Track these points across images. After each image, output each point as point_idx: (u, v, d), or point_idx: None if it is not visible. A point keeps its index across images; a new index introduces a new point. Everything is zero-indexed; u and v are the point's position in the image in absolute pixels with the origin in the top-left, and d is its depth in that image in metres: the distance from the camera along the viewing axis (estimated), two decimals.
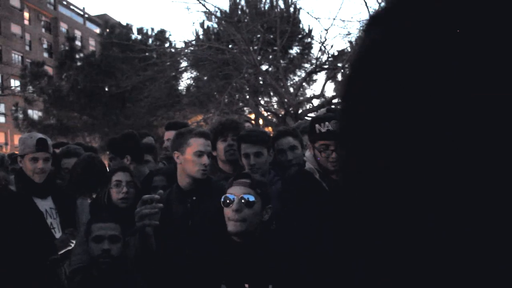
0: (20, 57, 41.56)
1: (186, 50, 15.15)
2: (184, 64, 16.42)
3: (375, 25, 0.63)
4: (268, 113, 16.25)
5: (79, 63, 21.28)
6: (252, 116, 14.86)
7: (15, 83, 25.77)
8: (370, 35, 0.63)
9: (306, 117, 13.87)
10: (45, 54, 45.15)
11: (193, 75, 17.26)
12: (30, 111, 23.07)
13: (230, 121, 3.93)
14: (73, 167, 3.90)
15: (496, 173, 0.50)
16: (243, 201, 2.50)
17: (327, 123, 2.91)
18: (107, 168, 4.11)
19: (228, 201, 2.53)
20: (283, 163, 3.68)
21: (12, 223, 3.42)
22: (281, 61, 15.34)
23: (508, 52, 0.49)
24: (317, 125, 2.94)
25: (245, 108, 16.46)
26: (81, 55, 21.74)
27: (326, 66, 14.91)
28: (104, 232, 2.85)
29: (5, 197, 3.64)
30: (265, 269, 2.43)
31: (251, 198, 2.51)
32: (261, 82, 15.92)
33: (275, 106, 17.16)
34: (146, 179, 3.82)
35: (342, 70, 15.25)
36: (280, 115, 14.53)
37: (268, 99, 17.55)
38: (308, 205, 2.85)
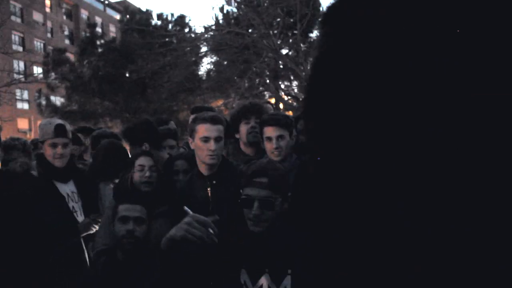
0: (42, 45, 41.95)
1: (205, 35, 15.12)
2: (204, 49, 16.41)
3: (328, 24, 0.68)
4: (289, 97, 16.18)
5: (100, 50, 21.42)
6: (273, 100, 14.79)
7: (37, 70, 26.03)
8: (325, 35, 0.68)
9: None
10: (67, 41, 45.50)
11: (213, 60, 17.25)
12: (52, 98, 23.33)
13: (253, 104, 3.93)
14: (95, 152, 3.93)
15: (460, 160, 0.52)
16: (262, 204, 2.38)
17: None
18: (129, 154, 4.13)
19: (247, 203, 2.42)
20: (304, 145, 3.68)
21: (33, 207, 3.48)
22: (302, 45, 15.22)
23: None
24: None
25: (265, 93, 16.39)
26: (102, 41, 21.86)
27: None
28: (130, 213, 2.88)
29: (27, 181, 3.70)
30: (284, 254, 2.40)
31: (271, 200, 2.40)
32: (281, 66, 15.83)
33: (296, 90, 17.06)
34: (167, 163, 3.83)
35: None
36: (301, 99, 14.46)
37: (288, 83, 17.46)
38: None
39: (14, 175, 3.83)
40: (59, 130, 3.58)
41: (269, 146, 3.43)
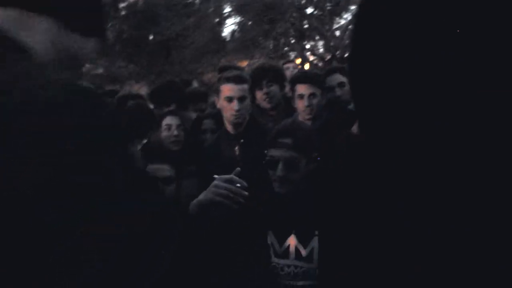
0: None
1: None
2: (227, 9, 16.20)
3: None
4: (315, 57, 15.96)
5: (123, 13, 21.32)
6: (298, 61, 14.61)
7: None
8: None
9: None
10: None
11: (237, 21, 17.03)
12: None
13: (260, 68, 3.86)
14: (123, 113, 3.92)
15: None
16: (287, 166, 2.34)
17: None
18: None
19: (271, 165, 2.39)
20: (332, 101, 3.64)
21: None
22: (327, 4, 14.90)
23: None
24: None
25: (290, 53, 16.18)
26: (125, 3, 21.73)
27: None
28: (158, 173, 2.88)
29: None
30: (311, 216, 2.39)
31: (296, 161, 2.35)
32: (306, 26, 15.57)
33: (321, 50, 16.80)
34: (195, 122, 3.81)
35: None
36: (326, 60, 14.26)
37: (313, 43, 17.18)
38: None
39: None
40: None
41: (300, 104, 3.39)
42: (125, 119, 3.83)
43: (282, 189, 2.39)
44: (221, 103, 3.12)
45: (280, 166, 2.34)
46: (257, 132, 3.08)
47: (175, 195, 2.94)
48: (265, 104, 3.71)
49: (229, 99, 3.05)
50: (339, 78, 3.68)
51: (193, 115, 4.12)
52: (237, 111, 3.03)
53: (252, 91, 3.69)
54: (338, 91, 3.65)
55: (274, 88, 3.67)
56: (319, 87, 3.44)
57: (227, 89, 3.07)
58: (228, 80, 3.09)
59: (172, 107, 4.01)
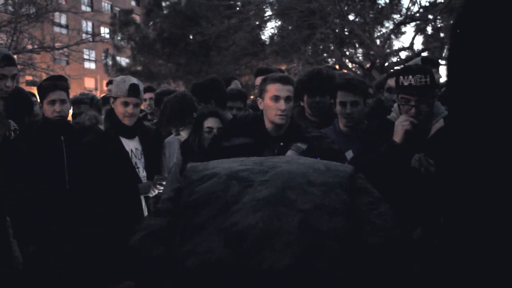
0: (109, 6, 42.74)
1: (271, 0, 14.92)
2: (269, 13, 16.21)
3: None
4: (353, 64, 15.82)
5: (165, 11, 21.58)
6: (337, 67, 14.51)
7: (105, 30, 26.61)
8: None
9: (392, 70, 13.38)
10: (133, 3, 46.12)
11: (277, 25, 17.04)
12: (118, 58, 23.84)
13: (318, 75, 3.81)
14: (166, 101, 3.91)
15: None
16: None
17: (410, 76, 2.79)
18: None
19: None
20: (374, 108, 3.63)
21: (99, 158, 3.54)
22: (370, 12, 14.76)
23: None
24: (401, 77, 2.83)
25: (329, 59, 16.09)
26: (168, 3, 21.99)
27: (417, 16, 14.17)
28: None
29: (94, 133, 3.76)
30: None
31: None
32: (346, 33, 15.45)
33: (360, 58, 16.65)
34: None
35: (432, 23, 14.49)
36: (366, 67, 14.11)
37: (353, 50, 17.05)
38: (379, 152, 2.85)
39: (83, 127, 3.89)
40: (133, 90, 3.58)
41: (342, 111, 3.35)
42: (169, 107, 3.83)
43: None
44: (266, 103, 3.10)
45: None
46: (297, 136, 3.04)
47: None
48: (313, 112, 3.70)
49: (276, 98, 3.05)
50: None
51: (230, 115, 4.10)
52: (283, 110, 3.03)
53: (300, 95, 3.67)
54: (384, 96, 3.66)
55: (326, 99, 3.63)
56: (362, 95, 3.39)
57: (274, 89, 3.06)
58: (276, 80, 3.10)
59: (211, 104, 4.01)
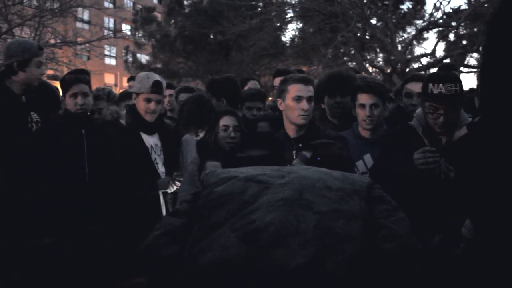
0: (131, 3, 43.03)
1: (293, 1, 14.89)
2: (290, 14, 16.18)
3: None
4: (374, 69, 15.72)
5: (187, 10, 21.65)
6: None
7: (126, 27, 26.78)
8: None
9: (408, 77, 13.27)
10: (155, 0, 46.39)
11: (298, 27, 17.01)
12: (139, 55, 23.96)
13: (338, 76, 3.81)
14: (184, 102, 3.93)
15: None
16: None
17: (441, 84, 2.73)
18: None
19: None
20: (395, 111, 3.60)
21: (119, 152, 3.56)
22: (392, 17, 14.67)
23: None
24: (430, 84, 2.77)
25: (349, 63, 16.01)
26: (190, 1, 22.07)
27: (440, 23, 14.04)
28: None
29: (115, 128, 3.78)
30: None
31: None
32: (367, 37, 15.37)
33: (381, 63, 16.55)
34: (250, 124, 3.79)
35: (455, 30, 14.36)
36: (387, 72, 14.02)
37: (373, 55, 16.95)
38: (400, 158, 2.80)
39: (104, 121, 3.91)
40: (156, 86, 3.60)
41: (361, 113, 3.32)
42: (187, 108, 3.84)
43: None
44: (287, 103, 3.11)
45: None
46: (315, 137, 3.02)
47: None
48: (334, 113, 3.68)
49: (298, 99, 3.05)
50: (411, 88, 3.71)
51: (248, 114, 4.11)
52: (306, 110, 3.03)
53: (321, 94, 3.66)
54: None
55: (347, 99, 3.62)
56: (381, 97, 3.36)
57: (296, 89, 3.07)
58: (298, 80, 3.11)
59: (222, 102, 4.03)
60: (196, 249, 1.76)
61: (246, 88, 4.79)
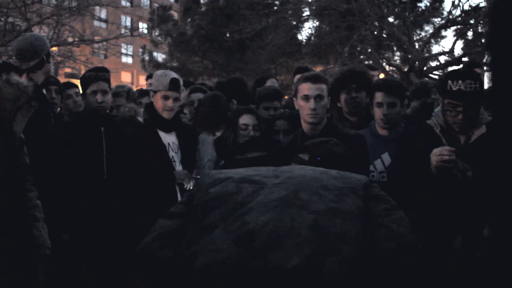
0: (148, 1, 43.20)
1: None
2: (306, 13, 16.14)
3: None
4: (391, 67, 15.62)
5: (203, 8, 21.70)
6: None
7: (143, 26, 26.92)
8: None
9: (431, 75, 13.17)
10: None
11: (315, 25, 16.95)
12: (155, 53, 24.07)
13: (351, 71, 3.84)
14: (200, 102, 3.95)
15: None
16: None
17: (460, 81, 2.70)
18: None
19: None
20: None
21: (137, 150, 3.58)
22: (409, 15, 14.55)
23: None
24: (449, 81, 2.74)
25: (366, 62, 15.92)
26: (206, 0, 22.11)
27: (458, 20, 13.90)
28: None
29: (133, 126, 3.81)
30: None
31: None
32: (384, 35, 15.26)
33: (398, 62, 16.42)
34: (268, 123, 3.80)
35: (474, 28, 14.20)
36: (404, 71, 13.93)
37: (390, 53, 16.83)
38: (418, 157, 2.79)
39: (122, 119, 3.95)
40: (174, 84, 3.62)
41: (378, 112, 3.32)
42: (204, 107, 3.86)
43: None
44: (298, 102, 3.13)
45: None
46: (333, 135, 3.01)
47: None
48: (350, 109, 3.67)
49: (306, 98, 3.06)
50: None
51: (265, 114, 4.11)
52: (313, 110, 3.03)
53: (336, 93, 3.66)
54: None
55: (362, 94, 3.61)
56: (399, 96, 3.34)
57: (304, 88, 3.07)
58: (306, 79, 3.12)
59: (232, 103, 4.04)
60: (190, 252, 1.75)
61: (265, 86, 4.79)
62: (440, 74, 12.70)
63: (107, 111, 3.87)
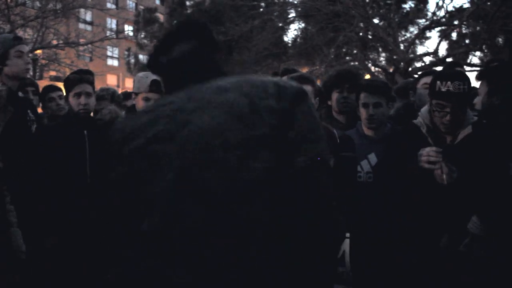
0: (134, 4, 43.06)
1: (295, 1, 14.88)
2: (292, 14, 16.17)
3: None
4: (376, 68, 15.70)
5: (189, 10, 21.65)
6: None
7: (128, 28, 26.84)
8: None
9: (416, 75, 13.25)
10: (157, 1, 46.36)
11: (301, 27, 16.98)
12: (141, 56, 23.99)
13: (347, 72, 3.86)
14: None
15: None
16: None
17: (449, 82, 2.70)
18: None
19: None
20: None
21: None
22: (394, 16, 14.64)
23: None
24: (438, 82, 2.74)
25: (351, 63, 15.98)
26: (192, 2, 22.07)
27: (443, 22, 14.01)
28: None
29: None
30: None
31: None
32: (370, 37, 15.33)
33: (383, 63, 16.51)
34: None
35: (458, 29, 14.32)
36: (389, 72, 14.00)
37: (376, 54, 16.92)
38: (405, 157, 2.80)
39: (105, 122, 3.91)
40: (155, 86, 3.58)
41: (364, 113, 3.32)
42: None
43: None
44: None
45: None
46: None
47: None
48: (341, 108, 3.68)
49: None
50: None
51: None
52: None
53: (329, 91, 3.68)
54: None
55: (353, 97, 3.62)
56: (384, 97, 3.35)
57: None
58: (292, 80, 3.09)
59: None
60: None
61: None
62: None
63: (91, 114, 3.82)
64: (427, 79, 3.66)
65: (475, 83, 3.86)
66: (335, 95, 3.71)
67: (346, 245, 2.43)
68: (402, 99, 4.24)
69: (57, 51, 15.60)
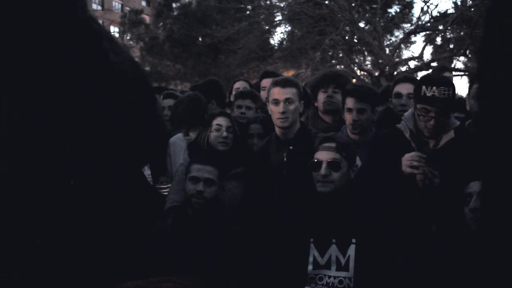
0: (120, 5, 42.87)
1: (281, 4, 14.92)
2: (279, 17, 16.23)
3: None
4: (362, 72, 15.80)
5: (175, 13, 21.63)
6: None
7: (114, 29, 26.69)
8: None
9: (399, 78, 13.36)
10: (143, 3, 46.23)
11: (287, 30, 17.06)
12: None
13: (333, 73, 3.90)
14: (178, 101, 3.91)
15: None
16: (330, 165, 2.59)
17: (434, 87, 2.71)
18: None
19: (315, 166, 2.62)
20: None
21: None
22: (380, 20, 14.76)
23: None
24: (424, 86, 2.75)
25: (338, 66, 16.07)
26: (178, 4, 22.05)
27: (427, 26, 14.15)
28: (200, 174, 2.85)
29: None
30: (350, 224, 2.52)
31: (338, 162, 2.61)
32: (356, 40, 15.44)
33: (369, 66, 16.64)
34: (242, 127, 3.79)
35: (442, 34, 14.48)
36: (375, 76, 14.11)
37: (362, 58, 17.04)
38: (388, 161, 2.79)
39: None
40: None
41: (348, 118, 3.33)
42: (181, 107, 3.83)
43: (325, 188, 2.59)
44: (269, 107, 3.13)
45: (323, 165, 2.60)
46: (306, 139, 3.03)
47: (217, 196, 2.91)
48: (326, 107, 3.69)
49: (276, 102, 3.06)
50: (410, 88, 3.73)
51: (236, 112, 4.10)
52: (282, 113, 3.02)
53: (315, 93, 3.70)
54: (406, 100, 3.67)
55: (338, 96, 3.64)
56: (369, 102, 3.36)
57: (274, 92, 3.08)
58: (276, 84, 3.11)
59: (212, 103, 4.02)
60: None
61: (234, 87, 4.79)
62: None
63: None
64: (401, 88, 3.71)
65: (460, 88, 3.92)
66: (321, 96, 3.72)
67: (351, 250, 2.47)
68: (384, 103, 4.26)
69: None
